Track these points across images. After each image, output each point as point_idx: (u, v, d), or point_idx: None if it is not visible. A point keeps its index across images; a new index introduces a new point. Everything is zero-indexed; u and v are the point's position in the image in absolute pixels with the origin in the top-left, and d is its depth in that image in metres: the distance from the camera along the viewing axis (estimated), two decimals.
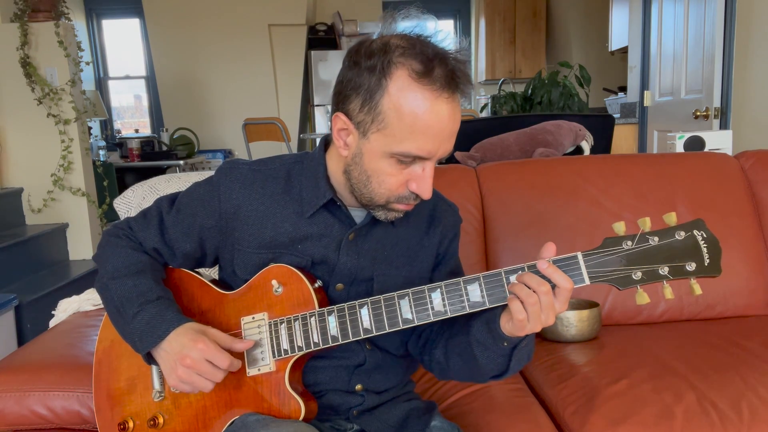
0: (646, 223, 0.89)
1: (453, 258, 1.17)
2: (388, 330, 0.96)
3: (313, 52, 5.87)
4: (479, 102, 6.51)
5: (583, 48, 6.25)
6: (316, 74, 5.87)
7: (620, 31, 4.98)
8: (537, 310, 0.88)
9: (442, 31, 0.96)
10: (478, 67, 7.08)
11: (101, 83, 6.45)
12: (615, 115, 4.04)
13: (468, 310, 0.94)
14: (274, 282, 1.02)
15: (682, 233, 0.89)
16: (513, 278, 0.92)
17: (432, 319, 0.95)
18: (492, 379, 1.04)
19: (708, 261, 0.89)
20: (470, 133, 2.52)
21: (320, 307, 1.00)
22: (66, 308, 1.70)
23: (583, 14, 6.28)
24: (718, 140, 2.29)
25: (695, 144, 2.28)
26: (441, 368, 1.09)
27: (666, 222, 0.90)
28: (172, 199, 1.11)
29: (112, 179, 4.59)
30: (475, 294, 0.93)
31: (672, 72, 3.67)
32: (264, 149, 4.94)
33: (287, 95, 6.02)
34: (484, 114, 4.76)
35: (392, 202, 0.99)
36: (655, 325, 1.68)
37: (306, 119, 6.42)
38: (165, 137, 5.67)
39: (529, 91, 3.67)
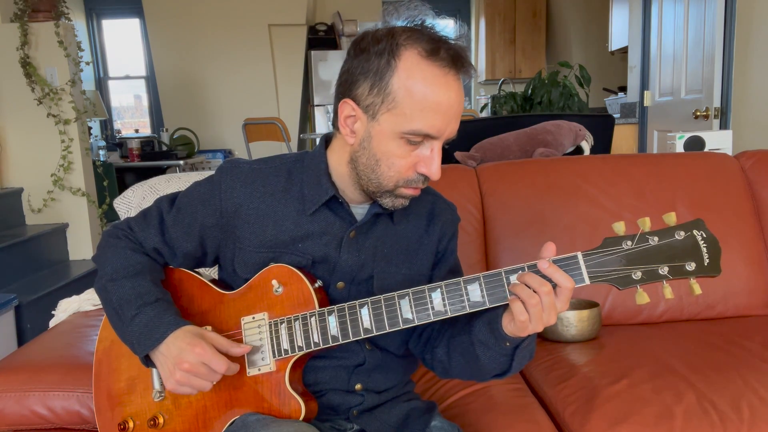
0: (645, 223, 0.89)
1: (452, 256, 1.17)
2: (388, 330, 0.96)
3: (313, 52, 5.87)
4: (479, 102, 6.51)
5: (583, 48, 6.25)
6: (316, 74, 5.87)
7: (620, 31, 4.98)
8: (539, 310, 0.88)
9: (442, 22, 0.99)
10: (478, 67, 7.07)
11: (101, 83, 6.45)
12: (615, 115, 4.05)
13: (468, 310, 0.94)
14: (274, 282, 1.02)
15: (682, 233, 0.89)
16: (513, 278, 0.92)
17: (432, 319, 0.95)
18: (494, 377, 1.04)
19: (708, 261, 0.89)
20: (470, 133, 2.52)
21: (320, 307, 1.00)
22: (66, 308, 1.70)
23: (583, 14, 6.28)
24: (718, 140, 2.29)
25: (695, 144, 2.28)
26: (443, 367, 1.10)
27: (666, 222, 0.90)
28: (172, 198, 1.11)
29: (112, 179, 4.58)
30: (475, 294, 0.93)
31: (672, 72, 3.67)
32: (264, 149, 4.94)
33: (287, 95, 6.02)
34: (484, 114, 4.76)
35: (400, 186, 0.99)
36: (655, 325, 1.68)
37: (306, 119, 6.41)
38: (165, 137, 5.66)
39: (529, 91, 3.67)
